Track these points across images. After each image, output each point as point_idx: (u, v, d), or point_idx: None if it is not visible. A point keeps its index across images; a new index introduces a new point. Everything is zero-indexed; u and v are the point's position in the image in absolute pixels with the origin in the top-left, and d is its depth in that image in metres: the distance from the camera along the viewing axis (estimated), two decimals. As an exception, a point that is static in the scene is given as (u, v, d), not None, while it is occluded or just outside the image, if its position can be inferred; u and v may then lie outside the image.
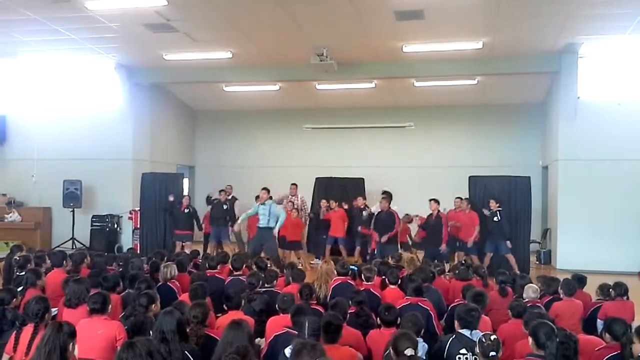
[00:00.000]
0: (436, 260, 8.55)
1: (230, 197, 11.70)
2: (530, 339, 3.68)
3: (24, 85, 13.83)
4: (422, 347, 3.91)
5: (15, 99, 13.91)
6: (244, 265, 6.96)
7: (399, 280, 6.02)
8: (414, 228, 11.56)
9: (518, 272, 9.39)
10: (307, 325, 3.70)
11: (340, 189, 12.70)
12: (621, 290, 5.67)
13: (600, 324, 5.35)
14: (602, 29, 9.70)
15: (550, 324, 3.75)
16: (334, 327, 3.76)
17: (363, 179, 13.25)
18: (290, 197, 11.92)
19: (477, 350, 3.58)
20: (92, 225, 12.83)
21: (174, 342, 3.58)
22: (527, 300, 5.39)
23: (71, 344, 3.24)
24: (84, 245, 12.39)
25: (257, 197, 11.19)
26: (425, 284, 5.57)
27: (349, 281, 6.14)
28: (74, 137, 13.23)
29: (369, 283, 5.97)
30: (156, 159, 14.09)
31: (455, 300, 5.62)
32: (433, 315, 4.97)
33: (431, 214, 10.10)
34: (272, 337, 4.14)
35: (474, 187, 10.69)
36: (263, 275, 6.16)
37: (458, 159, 14.37)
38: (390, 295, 5.68)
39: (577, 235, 11.12)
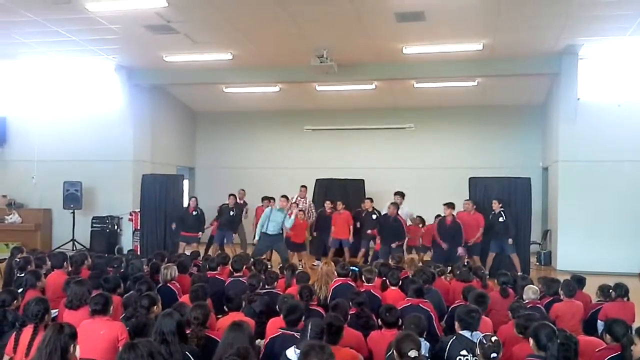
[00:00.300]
0: (449, 263, 8.64)
1: (241, 201, 11.73)
2: (531, 341, 3.68)
3: (25, 87, 13.83)
4: (425, 345, 3.91)
5: (16, 101, 13.91)
6: (244, 267, 6.96)
7: (400, 282, 6.02)
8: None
9: (520, 272, 9.49)
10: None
11: (340, 190, 12.68)
12: (621, 291, 5.68)
13: (600, 325, 5.34)
14: (602, 31, 9.71)
15: (552, 325, 3.75)
16: (335, 329, 3.76)
17: (363, 180, 13.27)
18: (299, 198, 11.98)
19: (477, 351, 3.58)
20: (92, 227, 12.83)
21: (174, 344, 3.59)
22: (527, 301, 5.39)
23: (72, 345, 3.25)
24: (84, 247, 12.40)
25: (263, 199, 11.24)
26: (425, 285, 5.58)
27: (349, 282, 6.14)
28: (75, 139, 13.24)
29: (370, 284, 5.97)
30: (156, 161, 14.10)
31: (456, 302, 5.63)
32: (434, 317, 4.97)
33: (444, 217, 10.12)
34: (268, 340, 4.11)
35: (474, 188, 10.69)
36: (264, 277, 6.16)
37: (458, 160, 14.37)
38: (390, 297, 5.68)
39: (577, 236, 11.12)
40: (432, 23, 9.29)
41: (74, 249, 12.12)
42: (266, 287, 5.96)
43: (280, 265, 8.63)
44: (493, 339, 3.51)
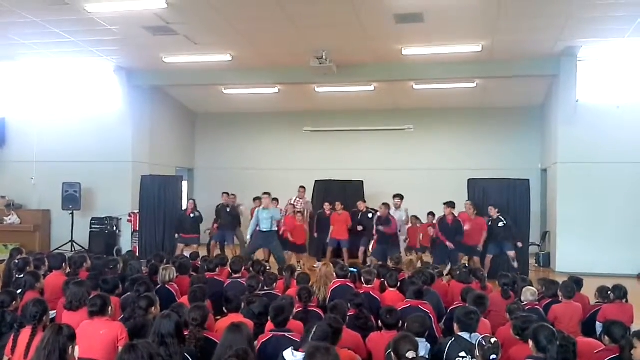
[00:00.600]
0: (448, 263, 8.65)
1: (235, 203, 11.81)
2: (530, 342, 3.68)
3: (24, 88, 13.82)
4: (425, 346, 3.90)
5: (15, 102, 13.90)
6: (243, 268, 6.96)
7: (398, 283, 6.02)
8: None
9: (516, 264, 9.57)
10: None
11: (339, 192, 12.67)
12: (620, 292, 5.68)
13: (599, 326, 5.33)
14: (601, 32, 9.73)
15: (551, 327, 3.75)
16: (334, 330, 3.75)
17: (362, 181, 13.27)
18: (297, 199, 12.01)
19: (476, 353, 3.57)
20: (91, 228, 12.82)
21: (173, 346, 3.58)
22: (525, 303, 5.38)
23: (71, 346, 3.24)
24: (83, 248, 12.39)
25: (255, 199, 11.24)
26: (424, 287, 5.58)
27: (348, 284, 6.13)
28: (73, 140, 13.23)
29: (369, 286, 5.97)
30: (155, 162, 14.09)
31: (455, 303, 5.62)
32: (433, 319, 4.96)
33: (445, 217, 10.11)
34: (260, 344, 4.00)
35: (473, 190, 10.70)
36: (263, 278, 6.16)
37: (457, 161, 14.37)
38: (389, 298, 5.68)
39: (576, 238, 11.12)
40: (431, 24, 9.31)
41: (73, 250, 12.11)
42: (265, 288, 5.95)
43: (279, 266, 8.62)
44: (492, 340, 3.51)
